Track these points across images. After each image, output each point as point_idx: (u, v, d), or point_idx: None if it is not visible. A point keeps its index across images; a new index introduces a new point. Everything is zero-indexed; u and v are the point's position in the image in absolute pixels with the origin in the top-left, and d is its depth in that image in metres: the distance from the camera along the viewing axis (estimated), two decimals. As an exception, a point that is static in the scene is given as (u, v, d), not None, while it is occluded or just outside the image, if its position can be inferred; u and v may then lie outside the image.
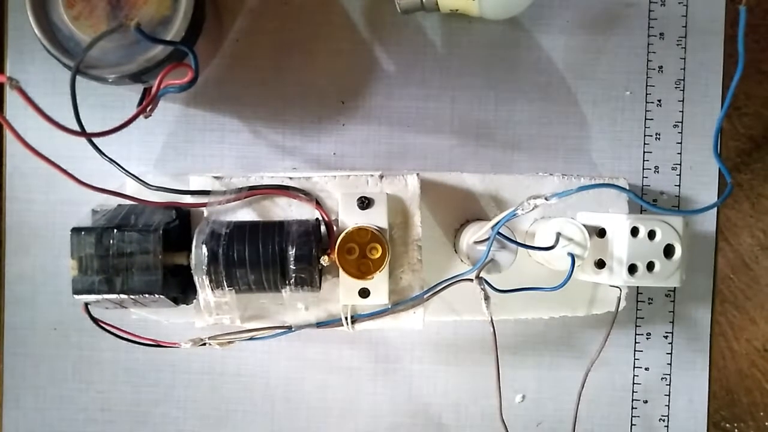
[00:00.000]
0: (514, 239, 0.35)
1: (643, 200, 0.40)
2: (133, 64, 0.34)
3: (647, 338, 0.43)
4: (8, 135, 0.42)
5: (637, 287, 0.43)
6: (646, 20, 0.43)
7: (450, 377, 0.43)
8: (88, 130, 0.31)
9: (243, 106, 0.42)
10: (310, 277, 0.33)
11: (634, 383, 0.43)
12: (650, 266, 0.35)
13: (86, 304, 0.34)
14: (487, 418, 0.43)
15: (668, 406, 0.43)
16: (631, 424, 0.43)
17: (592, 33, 0.43)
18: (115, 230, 0.33)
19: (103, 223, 0.34)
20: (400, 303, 0.36)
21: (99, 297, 0.33)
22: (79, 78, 0.32)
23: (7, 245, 0.42)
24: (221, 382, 0.43)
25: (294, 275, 0.32)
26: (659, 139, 0.43)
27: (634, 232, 0.35)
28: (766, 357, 0.44)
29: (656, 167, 0.43)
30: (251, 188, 0.36)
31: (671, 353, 0.43)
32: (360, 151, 0.43)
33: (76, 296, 0.33)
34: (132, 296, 0.33)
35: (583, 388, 0.39)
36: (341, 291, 0.34)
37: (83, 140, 0.31)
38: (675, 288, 0.43)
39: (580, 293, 0.40)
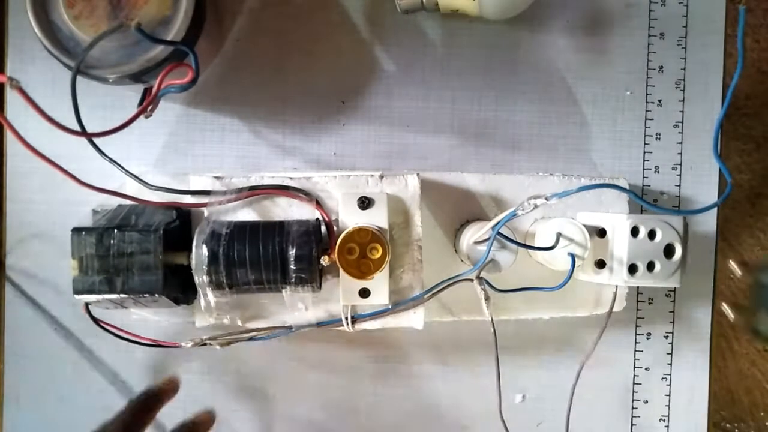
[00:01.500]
0: (514, 239, 0.35)
1: (644, 200, 0.40)
2: (134, 64, 0.34)
3: (647, 338, 0.43)
4: (9, 135, 0.42)
5: (637, 287, 0.43)
6: (646, 20, 0.43)
7: (450, 377, 0.43)
8: (89, 130, 0.31)
9: (243, 106, 0.42)
10: (311, 277, 0.33)
11: (634, 383, 0.43)
12: (650, 266, 0.35)
13: (87, 304, 0.34)
14: (487, 418, 0.43)
15: (668, 406, 0.43)
16: (631, 424, 0.43)
17: (592, 33, 0.43)
18: (116, 230, 0.33)
19: (104, 223, 0.34)
20: (400, 303, 0.36)
21: (99, 297, 0.33)
22: (79, 78, 0.32)
23: (7, 245, 0.42)
24: (221, 382, 0.43)
25: (294, 275, 0.33)
26: (659, 139, 0.43)
27: (635, 232, 0.35)
28: (766, 357, 0.44)
29: (656, 167, 0.43)
30: (251, 188, 0.36)
31: (671, 353, 0.43)
32: (360, 151, 0.43)
33: (76, 296, 0.33)
34: (132, 296, 0.33)
35: (577, 381, 0.38)
36: (341, 291, 0.34)
37: (83, 140, 0.31)
38: (675, 288, 0.43)
39: (580, 293, 0.40)
